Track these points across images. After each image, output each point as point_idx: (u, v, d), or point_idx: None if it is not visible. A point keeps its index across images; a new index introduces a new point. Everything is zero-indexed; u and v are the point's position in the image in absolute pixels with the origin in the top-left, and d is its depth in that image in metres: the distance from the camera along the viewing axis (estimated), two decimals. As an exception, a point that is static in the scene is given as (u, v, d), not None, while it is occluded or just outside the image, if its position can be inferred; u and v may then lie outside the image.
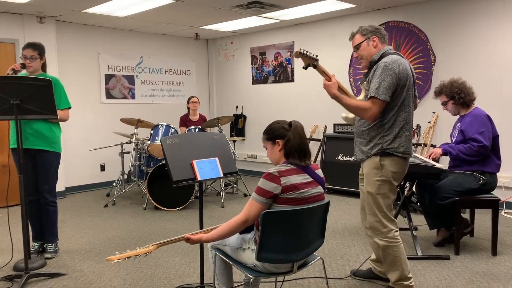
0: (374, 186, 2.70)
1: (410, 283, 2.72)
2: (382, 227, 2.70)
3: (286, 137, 2.21)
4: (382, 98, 2.55)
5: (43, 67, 3.61)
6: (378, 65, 2.63)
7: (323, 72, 2.67)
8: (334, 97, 2.64)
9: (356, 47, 2.79)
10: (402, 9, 5.68)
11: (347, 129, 5.95)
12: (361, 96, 2.85)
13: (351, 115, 2.93)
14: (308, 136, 6.51)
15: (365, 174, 2.78)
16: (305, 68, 2.67)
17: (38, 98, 3.01)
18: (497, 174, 3.67)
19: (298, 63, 6.87)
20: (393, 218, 2.75)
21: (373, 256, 3.07)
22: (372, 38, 2.73)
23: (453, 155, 3.66)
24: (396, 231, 2.72)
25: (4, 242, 4.11)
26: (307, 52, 2.58)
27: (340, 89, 2.69)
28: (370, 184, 2.73)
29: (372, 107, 2.58)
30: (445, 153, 3.73)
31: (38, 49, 3.51)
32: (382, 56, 2.69)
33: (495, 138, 3.62)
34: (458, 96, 3.65)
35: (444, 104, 3.78)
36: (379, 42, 2.73)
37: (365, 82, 2.78)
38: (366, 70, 2.82)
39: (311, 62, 2.62)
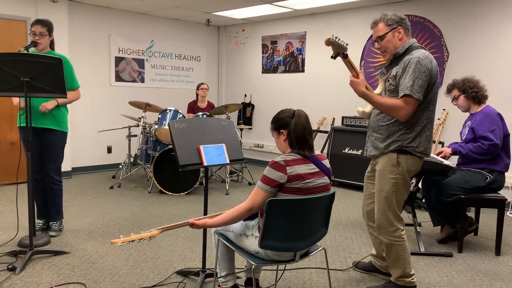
0: (389, 184, 2.60)
1: (412, 279, 2.70)
2: (390, 226, 2.64)
3: (289, 127, 2.20)
4: (417, 96, 2.42)
5: (51, 45, 3.61)
6: (410, 61, 2.46)
7: (350, 65, 2.51)
8: (362, 95, 2.52)
9: (380, 38, 2.60)
10: (418, 3, 5.59)
11: (355, 122, 5.91)
12: (378, 90, 2.68)
13: (368, 110, 2.76)
14: (315, 127, 6.48)
15: (378, 171, 2.66)
16: (333, 57, 2.48)
17: (48, 76, 3.01)
18: (505, 173, 3.63)
19: (309, 53, 6.82)
20: (401, 216, 2.67)
21: (373, 251, 3.05)
22: (397, 29, 2.56)
23: (463, 154, 3.63)
24: (403, 230, 2.66)
25: (10, 218, 4.16)
26: (338, 39, 2.39)
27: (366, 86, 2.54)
28: (384, 181, 2.62)
29: (405, 106, 2.44)
30: (454, 152, 3.71)
31: (46, 25, 3.50)
32: (408, 50, 2.55)
33: (506, 136, 3.59)
34: (470, 90, 3.64)
35: (455, 98, 3.75)
36: (404, 34, 2.57)
37: (385, 76, 2.63)
38: (384, 62, 2.70)
39: (340, 51, 2.44)
